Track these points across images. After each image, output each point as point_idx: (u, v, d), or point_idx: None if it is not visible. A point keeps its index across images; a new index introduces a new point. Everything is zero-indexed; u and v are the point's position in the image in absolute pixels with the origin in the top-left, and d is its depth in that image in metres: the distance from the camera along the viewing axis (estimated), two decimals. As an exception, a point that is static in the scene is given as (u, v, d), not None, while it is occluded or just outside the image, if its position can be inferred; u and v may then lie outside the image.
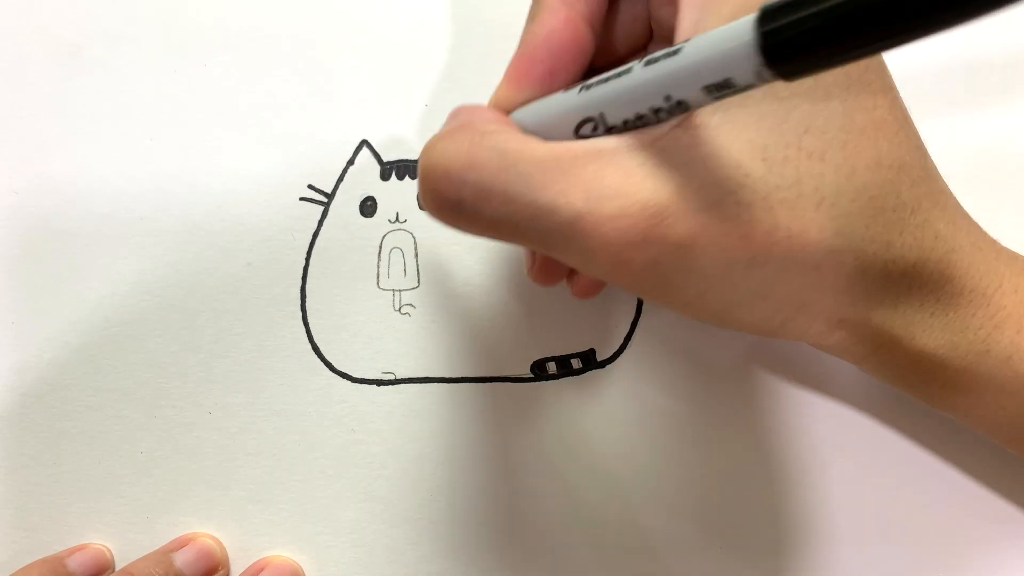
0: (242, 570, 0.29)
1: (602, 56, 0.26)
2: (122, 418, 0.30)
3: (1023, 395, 0.24)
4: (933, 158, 0.23)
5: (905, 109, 0.22)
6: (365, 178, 0.31)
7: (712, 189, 0.19)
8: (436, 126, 0.31)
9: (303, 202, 0.31)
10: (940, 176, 0.23)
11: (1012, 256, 0.24)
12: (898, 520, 0.29)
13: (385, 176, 0.31)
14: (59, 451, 0.30)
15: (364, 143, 0.31)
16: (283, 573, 0.29)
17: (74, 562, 0.28)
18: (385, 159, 0.31)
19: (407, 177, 0.31)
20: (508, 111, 0.23)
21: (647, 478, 0.29)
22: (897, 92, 0.22)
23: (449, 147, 0.20)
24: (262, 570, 0.29)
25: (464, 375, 0.30)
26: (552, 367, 0.30)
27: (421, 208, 0.27)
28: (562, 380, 0.30)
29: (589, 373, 0.30)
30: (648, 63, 0.18)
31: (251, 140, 0.32)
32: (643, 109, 0.19)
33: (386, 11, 0.32)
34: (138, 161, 0.31)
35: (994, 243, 0.24)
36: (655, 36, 0.25)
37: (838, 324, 0.22)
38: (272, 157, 0.31)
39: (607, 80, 0.19)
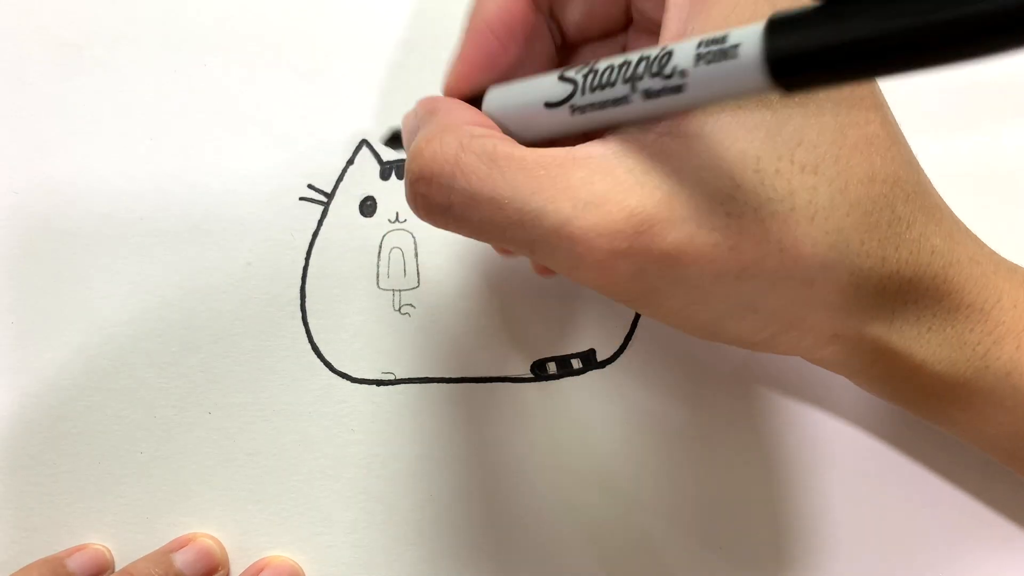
0: (242, 570, 0.29)
1: (578, 35, 0.26)
2: (122, 418, 0.30)
3: (1021, 411, 0.23)
4: (931, 161, 0.23)
5: (896, 125, 0.22)
6: (365, 178, 0.31)
7: (702, 199, 0.19)
8: (436, 126, 0.32)
9: (303, 202, 0.31)
10: (935, 191, 0.23)
11: (1012, 269, 0.24)
12: (896, 522, 0.29)
13: (385, 176, 0.31)
14: (59, 451, 0.30)
15: (364, 143, 0.31)
16: (283, 573, 0.29)
17: (74, 562, 0.28)
18: (385, 159, 0.31)
19: (407, 177, 0.31)
20: (464, 94, 0.23)
21: (646, 478, 0.29)
22: (888, 109, 0.22)
23: (438, 151, 0.20)
24: (262, 570, 0.29)
25: (464, 375, 0.30)
26: (552, 367, 0.30)
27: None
28: (562, 380, 0.30)
29: (589, 373, 0.30)
30: (648, 95, 0.18)
31: (251, 140, 0.32)
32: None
33: (386, 11, 0.32)
34: (138, 161, 0.31)
35: (993, 256, 0.24)
36: (635, 24, 0.25)
37: (831, 339, 0.22)
38: (272, 157, 0.31)
39: (600, 87, 0.19)
